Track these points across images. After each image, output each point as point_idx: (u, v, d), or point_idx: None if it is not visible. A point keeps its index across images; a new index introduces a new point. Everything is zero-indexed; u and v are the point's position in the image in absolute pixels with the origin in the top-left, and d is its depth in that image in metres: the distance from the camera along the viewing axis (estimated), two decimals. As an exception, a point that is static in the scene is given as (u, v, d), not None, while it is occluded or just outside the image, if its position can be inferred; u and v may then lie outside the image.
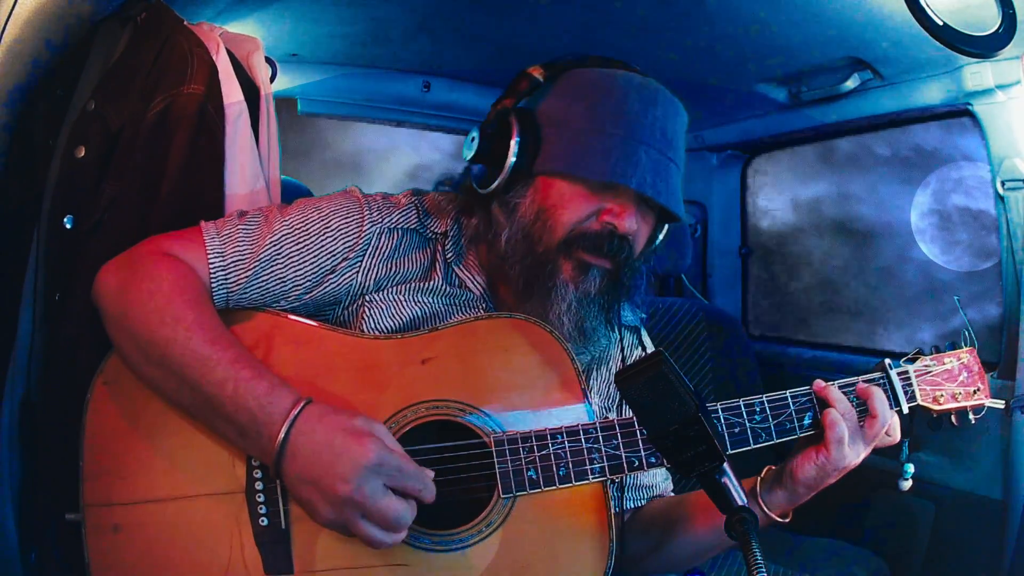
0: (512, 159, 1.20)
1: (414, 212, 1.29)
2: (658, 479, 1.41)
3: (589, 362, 1.36)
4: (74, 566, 1.10)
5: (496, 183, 1.22)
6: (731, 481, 0.92)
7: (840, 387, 1.22)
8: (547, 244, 1.20)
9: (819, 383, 1.20)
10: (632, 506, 1.39)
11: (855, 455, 1.18)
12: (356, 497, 1.00)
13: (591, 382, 1.36)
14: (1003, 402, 1.35)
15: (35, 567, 1.27)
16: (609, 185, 1.19)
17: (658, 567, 1.37)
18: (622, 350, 1.38)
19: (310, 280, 1.21)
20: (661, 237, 1.33)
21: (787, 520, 1.23)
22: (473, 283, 1.28)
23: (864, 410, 1.20)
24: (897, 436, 1.24)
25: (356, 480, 1.00)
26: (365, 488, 1.00)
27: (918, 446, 2.02)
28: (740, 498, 0.91)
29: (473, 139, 1.24)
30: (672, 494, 1.43)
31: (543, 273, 1.20)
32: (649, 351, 1.45)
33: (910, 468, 1.29)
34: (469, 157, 1.24)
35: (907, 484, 1.29)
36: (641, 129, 1.19)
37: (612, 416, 1.32)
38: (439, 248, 1.29)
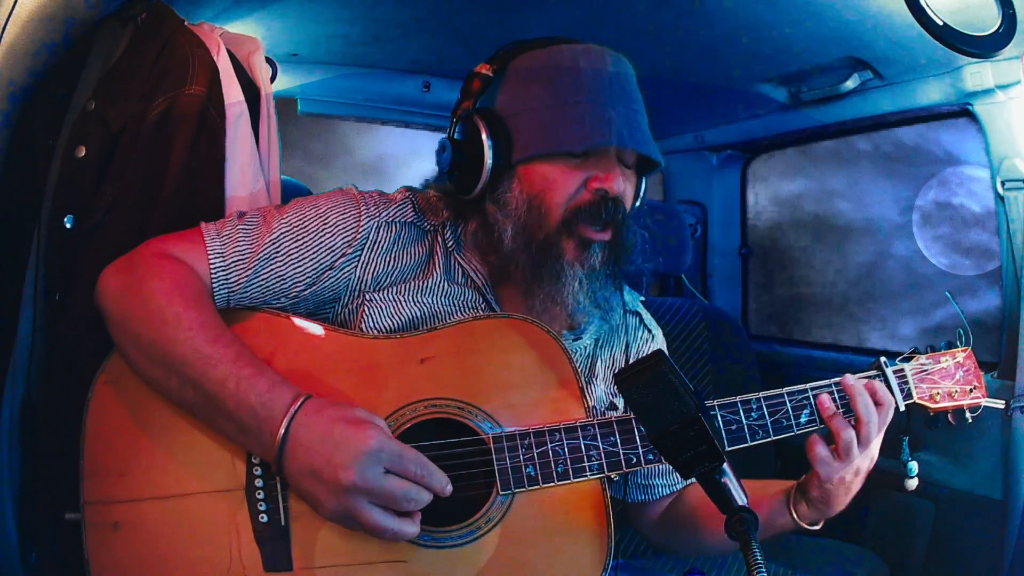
0: (489, 160, 1.21)
1: (410, 206, 1.29)
2: (674, 479, 1.42)
3: (593, 347, 1.36)
4: (74, 565, 1.10)
5: (480, 186, 1.23)
6: (731, 481, 0.92)
7: (836, 385, 1.22)
8: (547, 228, 1.21)
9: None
10: (667, 492, 1.42)
11: (850, 467, 1.19)
12: (359, 483, 1.00)
13: (596, 367, 1.36)
14: (1003, 402, 1.35)
15: (35, 567, 1.27)
16: (588, 153, 1.21)
17: (687, 552, 1.44)
18: (626, 333, 1.39)
19: (310, 276, 1.21)
20: (643, 190, 1.35)
21: (818, 527, 1.25)
22: (475, 273, 1.29)
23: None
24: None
25: (357, 466, 1.00)
26: (367, 473, 1.01)
27: (918, 446, 2.02)
28: (740, 498, 0.91)
29: (444, 150, 1.25)
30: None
31: (549, 257, 1.21)
32: (653, 331, 1.46)
33: (914, 466, 1.29)
34: (446, 169, 1.26)
35: (913, 483, 1.29)
36: (600, 90, 1.20)
37: (619, 401, 1.34)
38: (438, 238, 1.29)
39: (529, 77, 1.23)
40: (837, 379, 1.23)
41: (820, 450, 1.18)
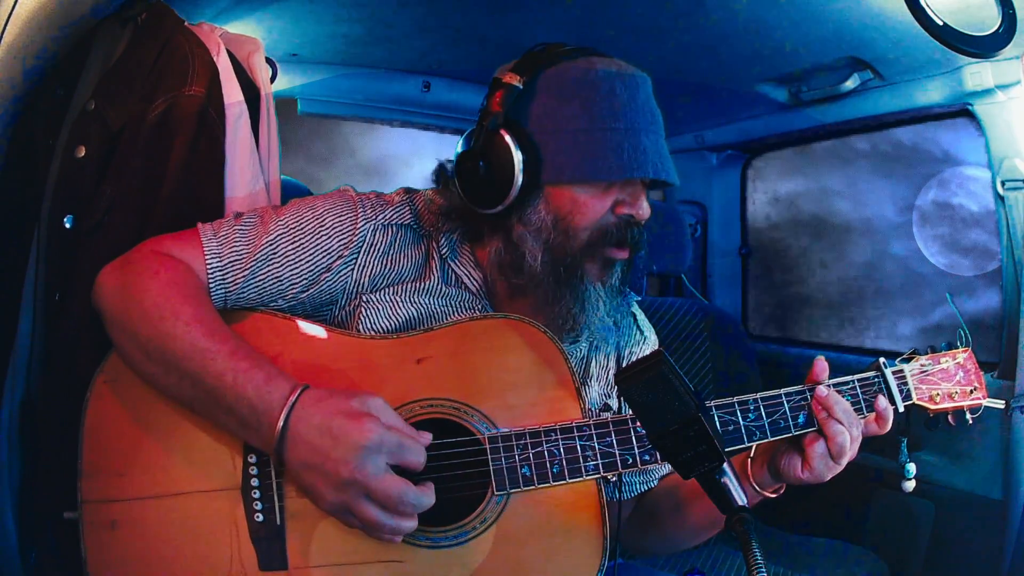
0: (520, 179, 1.19)
1: (407, 209, 1.29)
2: (649, 476, 1.42)
3: (587, 349, 1.36)
4: (73, 565, 1.10)
5: (506, 204, 1.20)
6: (731, 481, 0.92)
7: (835, 386, 1.22)
8: (571, 251, 1.21)
9: (820, 391, 1.19)
10: (642, 489, 1.41)
11: (837, 468, 1.18)
12: (358, 477, 1.01)
13: (591, 369, 1.36)
14: (1003, 402, 1.34)
15: (34, 567, 1.27)
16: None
17: (660, 550, 1.41)
18: (619, 333, 1.38)
19: (306, 278, 1.21)
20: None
21: (781, 493, 1.25)
22: (470, 279, 1.28)
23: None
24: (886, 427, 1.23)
25: (356, 461, 1.01)
26: (367, 468, 1.01)
27: (918, 446, 2.02)
28: (740, 498, 0.91)
29: (465, 160, 1.22)
30: None
31: (572, 278, 1.21)
32: (645, 332, 1.46)
33: (912, 468, 1.28)
34: (465, 182, 1.23)
35: (911, 484, 1.28)
36: (636, 117, 1.20)
37: (613, 402, 1.33)
38: (433, 244, 1.29)
39: (562, 94, 1.20)
40: (835, 380, 1.22)
41: (819, 448, 1.17)
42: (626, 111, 1.19)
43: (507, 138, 1.19)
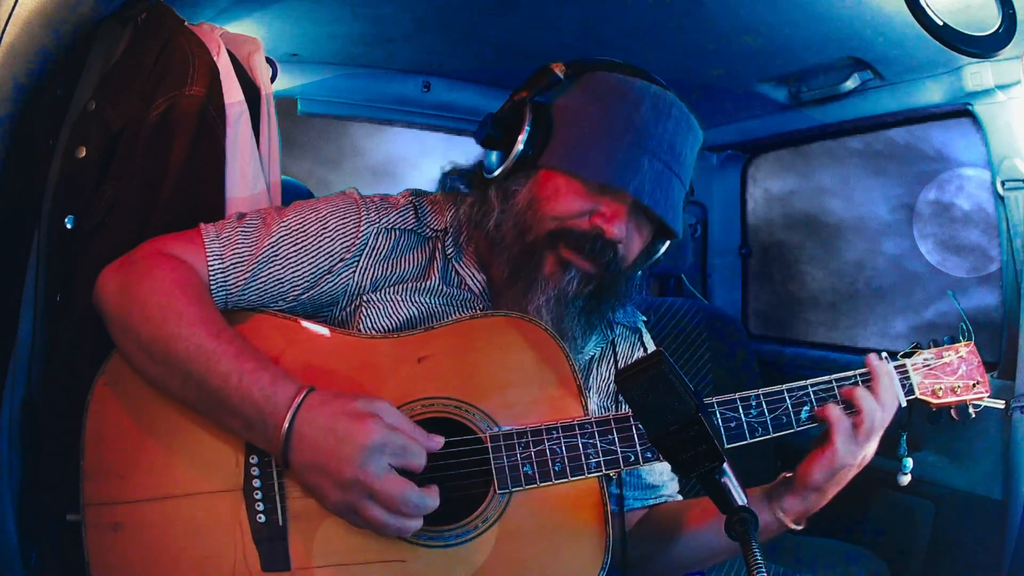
0: (519, 148, 1.21)
1: (412, 212, 1.29)
2: (665, 478, 1.41)
3: (588, 361, 1.36)
4: (74, 566, 1.10)
5: (501, 169, 1.23)
6: (731, 481, 0.92)
7: (837, 381, 1.22)
8: (535, 234, 1.21)
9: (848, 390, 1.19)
10: (639, 505, 1.40)
11: (860, 452, 1.18)
12: (361, 477, 1.01)
13: (590, 380, 1.36)
14: (1003, 402, 1.35)
15: (35, 567, 1.27)
16: (607, 189, 1.20)
17: (662, 571, 1.37)
18: (614, 349, 1.39)
19: (308, 281, 1.21)
20: (662, 251, 1.33)
21: (801, 527, 1.23)
22: (473, 280, 1.28)
23: (853, 410, 1.19)
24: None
25: (360, 461, 1.01)
26: (370, 468, 1.01)
27: (917, 444, 2.02)
28: (740, 498, 0.92)
29: (486, 123, 1.25)
30: (679, 497, 1.43)
31: (529, 263, 1.21)
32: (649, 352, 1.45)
33: (909, 463, 1.29)
34: (480, 140, 1.26)
35: (906, 479, 1.29)
36: (649, 138, 1.19)
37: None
38: (439, 245, 1.29)
39: (592, 95, 1.23)
40: (838, 375, 1.23)
41: (844, 423, 1.16)
42: (640, 129, 1.19)
43: (527, 113, 1.22)
